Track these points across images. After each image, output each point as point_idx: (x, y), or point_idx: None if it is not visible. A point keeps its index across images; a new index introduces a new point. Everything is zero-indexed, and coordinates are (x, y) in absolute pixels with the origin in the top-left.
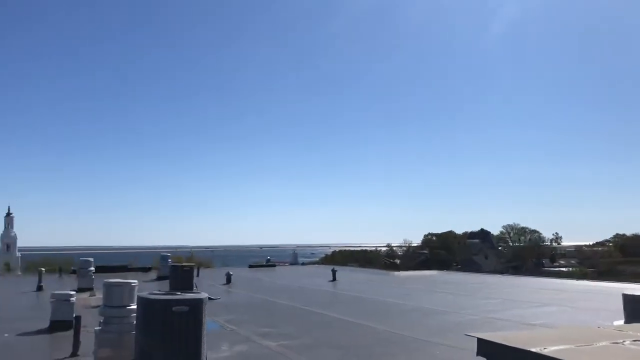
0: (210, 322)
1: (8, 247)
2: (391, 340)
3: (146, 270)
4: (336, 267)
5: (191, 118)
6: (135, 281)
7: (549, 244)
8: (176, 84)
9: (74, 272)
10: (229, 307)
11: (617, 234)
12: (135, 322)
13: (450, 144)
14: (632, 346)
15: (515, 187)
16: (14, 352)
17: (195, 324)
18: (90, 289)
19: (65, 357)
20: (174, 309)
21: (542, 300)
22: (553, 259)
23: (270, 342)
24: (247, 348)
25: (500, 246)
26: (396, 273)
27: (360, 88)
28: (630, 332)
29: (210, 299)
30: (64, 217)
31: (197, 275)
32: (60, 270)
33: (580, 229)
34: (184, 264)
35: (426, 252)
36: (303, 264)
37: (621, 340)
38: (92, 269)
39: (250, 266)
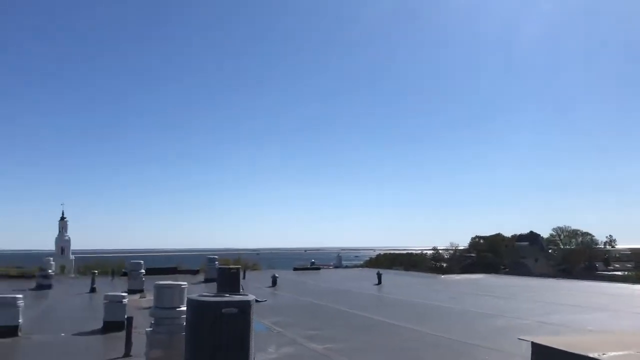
0: (257, 324)
1: (63, 250)
2: (438, 344)
3: (194, 272)
4: (381, 271)
5: (237, 122)
6: (185, 283)
7: (602, 246)
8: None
9: (125, 274)
10: (275, 310)
11: None
12: (185, 323)
13: (500, 145)
14: None
15: (565, 188)
16: (70, 352)
17: (243, 325)
18: (140, 291)
19: (119, 357)
20: (223, 310)
21: (597, 305)
22: (607, 263)
23: (317, 345)
24: (294, 350)
25: (550, 249)
26: (443, 276)
27: (415, 86)
28: None
29: (257, 301)
30: (115, 221)
31: (244, 278)
32: (113, 273)
33: (636, 231)
34: (231, 266)
35: (473, 255)
36: (347, 267)
37: None
38: (143, 271)
39: (295, 269)
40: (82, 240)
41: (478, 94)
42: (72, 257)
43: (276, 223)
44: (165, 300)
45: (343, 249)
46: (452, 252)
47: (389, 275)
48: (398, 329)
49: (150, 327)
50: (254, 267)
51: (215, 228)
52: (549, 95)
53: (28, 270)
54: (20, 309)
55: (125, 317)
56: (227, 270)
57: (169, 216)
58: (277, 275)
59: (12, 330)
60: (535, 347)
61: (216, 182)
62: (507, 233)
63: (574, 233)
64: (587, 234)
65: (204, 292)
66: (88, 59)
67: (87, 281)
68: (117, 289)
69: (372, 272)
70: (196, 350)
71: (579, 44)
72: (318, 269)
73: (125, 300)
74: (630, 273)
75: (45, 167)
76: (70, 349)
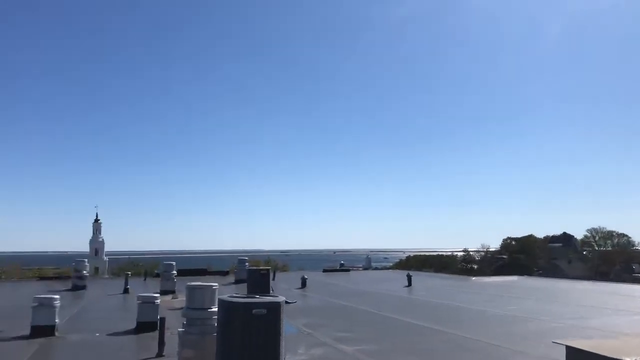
0: (287, 325)
1: (96, 251)
2: (470, 348)
3: (224, 273)
4: (411, 272)
5: (268, 124)
6: (216, 284)
7: (639, 248)
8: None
9: (157, 275)
10: (305, 311)
11: None
12: (216, 324)
13: (530, 145)
14: None
15: (599, 188)
16: (104, 351)
17: (273, 326)
18: (172, 292)
19: (152, 357)
20: (253, 311)
21: (634, 308)
22: None
23: (347, 347)
24: (324, 352)
25: (584, 251)
26: (474, 278)
27: (439, 84)
28: None
29: (286, 302)
30: (146, 223)
31: (273, 279)
32: (145, 274)
33: None
34: (260, 267)
35: (505, 256)
36: (376, 268)
37: None
38: (174, 272)
39: (325, 270)
40: (114, 241)
41: (505, 91)
42: (105, 258)
43: (305, 224)
44: (196, 301)
45: (372, 251)
46: (483, 253)
47: (419, 277)
48: (428, 332)
49: (182, 327)
50: (283, 269)
51: (244, 229)
52: (577, 93)
53: (63, 271)
54: (56, 309)
55: (158, 317)
56: (257, 271)
57: (199, 218)
58: (306, 276)
59: (49, 330)
60: (570, 350)
61: (245, 184)
62: (539, 234)
63: (610, 234)
64: (624, 235)
65: (234, 293)
66: (120, 61)
67: (120, 282)
68: (150, 289)
69: (401, 274)
70: (227, 351)
71: (603, 42)
72: (347, 270)
73: (157, 301)
74: None
75: (80, 171)
76: (104, 348)
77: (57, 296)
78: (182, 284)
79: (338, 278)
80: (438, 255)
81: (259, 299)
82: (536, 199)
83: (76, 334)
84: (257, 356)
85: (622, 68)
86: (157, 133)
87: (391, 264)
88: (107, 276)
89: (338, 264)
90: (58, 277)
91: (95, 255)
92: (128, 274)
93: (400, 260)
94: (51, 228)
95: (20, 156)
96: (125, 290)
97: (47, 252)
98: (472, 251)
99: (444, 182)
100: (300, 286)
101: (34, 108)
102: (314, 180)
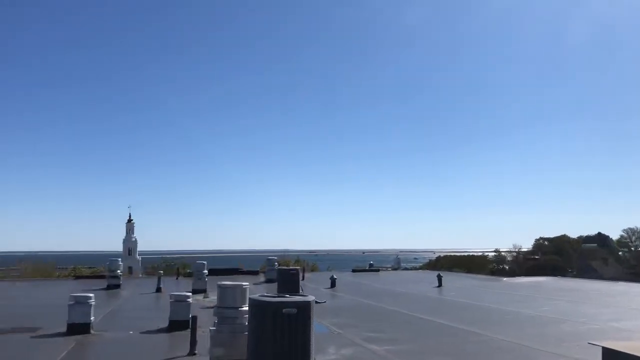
0: (317, 324)
1: (130, 251)
2: (502, 349)
3: (254, 273)
4: (441, 273)
5: (284, 123)
6: (247, 283)
7: None
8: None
9: (189, 274)
10: (334, 311)
11: None
12: (247, 323)
13: (563, 144)
14: None
15: (636, 187)
16: (138, 349)
17: (304, 326)
18: (204, 291)
19: (184, 355)
20: (283, 311)
21: None
22: None
23: (377, 347)
24: (354, 352)
25: (620, 251)
26: (505, 279)
27: (468, 85)
28: None
29: (316, 302)
30: (176, 222)
31: (302, 279)
32: (178, 273)
33: None
34: (290, 267)
35: (538, 257)
36: (406, 269)
37: None
38: (206, 271)
39: (354, 270)
40: (147, 241)
41: (533, 92)
42: (138, 257)
43: (334, 225)
44: (228, 300)
45: (401, 251)
46: (514, 254)
47: (449, 278)
48: (460, 332)
49: (214, 326)
50: (312, 269)
51: (273, 229)
52: (610, 90)
53: (98, 270)
54: (91, 307)
55: (190, 316)
56: (286, 271)
57: (230, 218)
58: (335, 276)
59: (85, 328)
60: (607, 352)
61: (275, 184)
62: (573, 234)
63: None
64: None
65: (265, 292)
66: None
67: (153, 281)
68: (182, 289)
69: (432, 275)
70: (258, 350)
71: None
72: (377, 270)
73: (190, 300)
74: None
75: (114, 173)
76: (138, 346)
77: (92, 295)
78: (213, 283)
79: (367, 278)
80: (469, 255)
81: (289, 298)
82: (569, 198)
83: (111, 331)
84: (287, 355)
85: None
86: (191, 133)
87: (421, 264)
88: (140, 275)
89: (367, 264)
90: (93, 276)
91: (129, 254)
92: (160, 273)
93: (430, 260)
94: (86, 227)
95: (57, 158)
96: (158, 289)
97: (81, 251)
98: (503, 251)
99: (475, 182)
100: (329, 286)
101: (66, 111)
102: (344, 182)
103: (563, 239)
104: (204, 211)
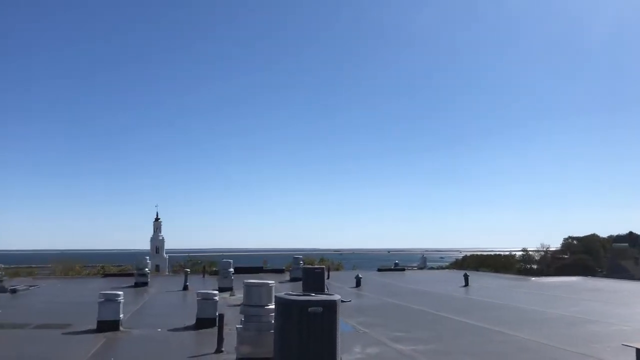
0: (343, 324)
1: (157, 249)
2: (530, 350)
3: (279, 271)
4: (468, 272)
5: (312, 121)
6: (273, 282)
7: None
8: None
9: (215, 272)
10: (360, 310)
11: None
12: (273, 321)
13: (595, 141)
14: None
15: None
16: (166, 346)
17: (330, 325)
18: (230, 289)
19: (211, 353)
20: (309, 309)
21: None
22: None
23: (403, 347)
24: (380, 351)
25: None
26: (533, 279)
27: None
28: None
29: (342, 301)
30: (203, 221)
31: (327, 278)
32: (204, 271)
33: None
34: (315, 266)
35: (566, 256)
36: (432, 268)
37: None
38: (232, 270)
39: (379, 270)
40: (174, 239)
41: (567, 87)
42: (165, 256)
43: (359, 224)
44: (254, 298)
45: (427, 250)
46: (543, 253)
47: (476, 277)
48: (486, 333)
49: (240, 324)
50: (337, 268)
51: (297, 228)
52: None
53: (126, 268)
54: (120, 305)
55: (217, 314)
56: (311, 269)
57: (255, 217)
58: (360, 275)
59: (114, 325)
60: None
61: (300, 183)
62: (603, 233)
63: None
64: None
65: (290, 290)
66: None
67: (180, 279)
68: (208, 287)
69: (458, 274)
70: (284, 348)
71: None
72: (402, 269)
73: (216, 298)
74: None
75: (142, 172)
76: (166, 343)
77: (121, 292)
78: (239, 282)
79: (393, 277)
80: (496, 254)
81: (315, 297)
82: (599, 197)
83: (139, 329)
84: (313, 353)
85: None
86: (215, 133)
87: (447, 264)
88: (167, 273)
89: (392, 263)
90: (122, 274)
91: (156, 253)
92: (187, 272)
93: (457, 259)
94: (114, 226)
95: (88, 158)
96: (185, 287)
97: (110, 249)
98: (531, 251)
99: (503, 180)
100: (354, 285)
101: (91, 107)
102: (368, 180)
103: (593, 238)
104: (231, 211)
